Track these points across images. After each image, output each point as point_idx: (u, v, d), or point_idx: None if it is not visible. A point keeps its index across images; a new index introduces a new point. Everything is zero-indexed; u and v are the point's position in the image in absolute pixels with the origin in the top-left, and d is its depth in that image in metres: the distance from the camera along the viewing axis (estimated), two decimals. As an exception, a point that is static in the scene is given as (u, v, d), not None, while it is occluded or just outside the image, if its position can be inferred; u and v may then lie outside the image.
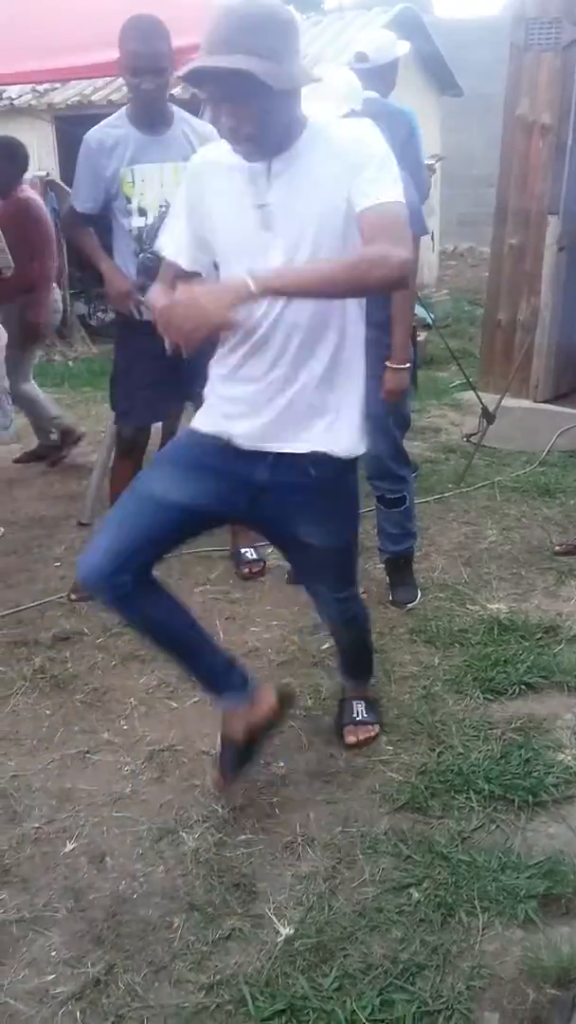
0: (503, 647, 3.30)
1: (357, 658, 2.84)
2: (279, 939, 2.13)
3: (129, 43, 3.23)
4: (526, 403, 5.74)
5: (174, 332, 1.91)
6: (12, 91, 10.05)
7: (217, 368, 2.25)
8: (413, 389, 3.60)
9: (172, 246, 2.30)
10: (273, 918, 2.19)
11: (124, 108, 3.48)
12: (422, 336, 6.98)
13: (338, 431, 2.24)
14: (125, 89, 10.41)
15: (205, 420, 2.28)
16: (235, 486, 2.25)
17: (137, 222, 3.46)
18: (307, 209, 2.06)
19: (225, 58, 1.88)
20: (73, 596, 3.75)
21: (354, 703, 2.85)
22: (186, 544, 2.41)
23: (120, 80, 9.11)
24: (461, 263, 14.55)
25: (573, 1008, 1.92)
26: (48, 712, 3.02)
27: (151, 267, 3.47)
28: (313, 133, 2.08)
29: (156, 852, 2.41)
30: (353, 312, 2.19)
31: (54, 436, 5.57)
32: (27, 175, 8.94)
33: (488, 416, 5.24)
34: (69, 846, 2.43)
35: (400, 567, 3.73)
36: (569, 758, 2.71)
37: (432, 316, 7.80)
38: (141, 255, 3.47)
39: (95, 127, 3.45)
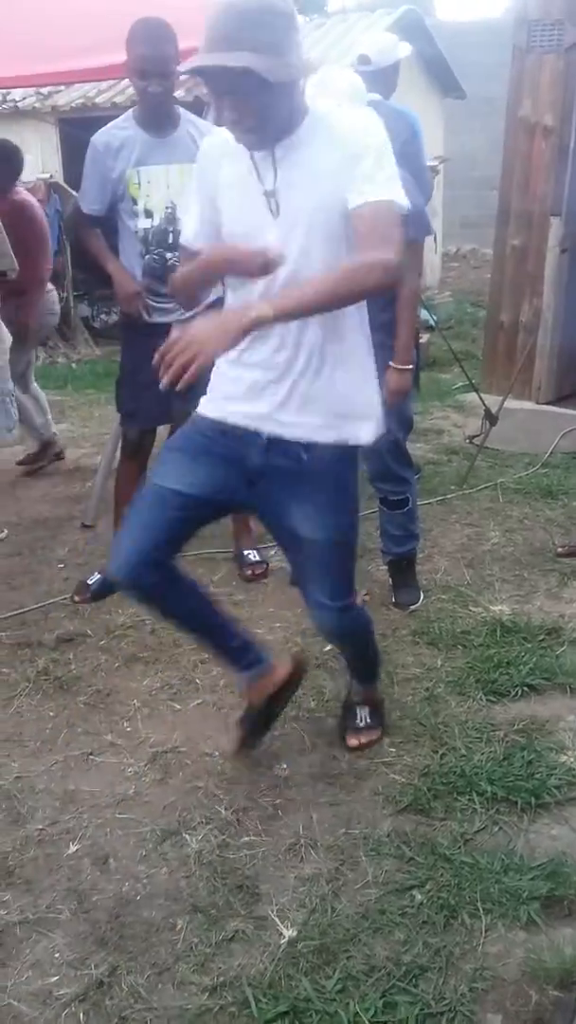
0: (506, 649, 3.30)
1: (362, 663, 2.81)
2: (282, 941, 2.13)
3: (136, 46, 3.24)
4: (529, 405, 5.74)
5: (176, 366, 1.93)
6: (16, 93, 10.07)
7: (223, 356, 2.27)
8: (416, 391, 3.60)
9: (189, 230, 2.34)
10: (276, 920, 2.19)
11: (131, 110, 3.50)
12: (424, 338, 6.98)
13: (333, 420, 2.26)
14: (129, 91, 10.41)
15: (208, 405, 2.34)
16: (233, 471, 2.30)
17: (143, 223, 3.46)
18: (307, 198, 2.09)
19: (226, 55, 1.91)
20: (76, 598, 3.76)
21: (359, 709, 2.83)
22: (195, 537, 2.45)
23: (123, 82, 9.17)
24: (464, 265, 14.55)
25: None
26: (52, 714, 3.02)
27: (157, 268, 3.48)
28: (315, 120, 2.10)
29: (159, 854, 2.41)
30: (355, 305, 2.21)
31: (55, 437, 5.58)
32: (31, 177, 9.05)
33: (491, 418, 5.24)
34: (72, 848, 2.44)
35: (403, 569, 3.73)
36: (572, 760, 2.71)
37: (435, 318, 7.80)
38: (147, 256, 3.48)
39: (102, 129, 3.47)
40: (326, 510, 2.32)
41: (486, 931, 2.14)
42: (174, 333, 2.07)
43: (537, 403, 5.76)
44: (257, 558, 3.99)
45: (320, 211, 2.08)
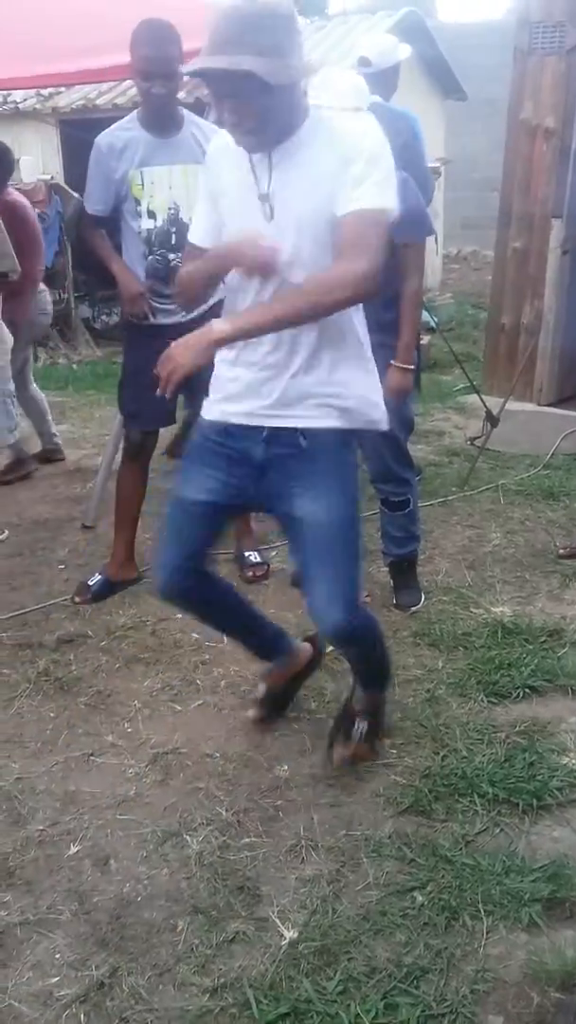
0: (507, 650, 3.29)
1: (367, 666, 2.70)
2: (283, 942, 2.13)
3: (141, 48, 3.25)
4: (530, 406, 5.74)
5: (162, 380, 2.13)
6: (17, 95, 10.08)
7: (220, 353, 2.30)
8: (417, 392, 3.60)
9: (197, 229, 2.36)
10: (277, 921, 2.19)
11: (135, 111, 3.51)
12: (425, 339, 6.98)
13: (330, 410, 2.28)
14: (130, 93, 10.42)
15: (210, 408, 2.39)
16: (242, 470, 2.35)
17: (146, 224, 3.47)
18: (300, 203, 2.11)
19: (227, 58, 1.94)
20: (77, 599, 3.76)
21: (358, 720, 2.71)
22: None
23: (124, 84, 9.19)
24: (465, 267, 14.55)
25: (577, 1012, 1.92)
26: (52, 715, 3.02)
27: (160, 269, 3.48)
28: (315, 123, 2.12)
29: (160, 855, 2.41)
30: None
31: (57, 439, 5.58)
32: (31, 178, 9.07)
33: (492, 419, 5.24)
34: (73, 849, 2.44)
35: (404, 570, 3.73)
36: (573, 761, 2.71)
37: (436, 320, 7.79)
38: (150, 257, 3.49)
39: (106, 130, 3.48)
40: (327, 492, 2.31)
41: (487, 933, 2.14)
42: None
43: (538, 405, 5.76)
44: (258, 559, 4.00)
45: (312, 216, 2.10)
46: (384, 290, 2.23)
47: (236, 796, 2.62)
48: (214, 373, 2.35)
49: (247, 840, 2.45)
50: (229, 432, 2.35)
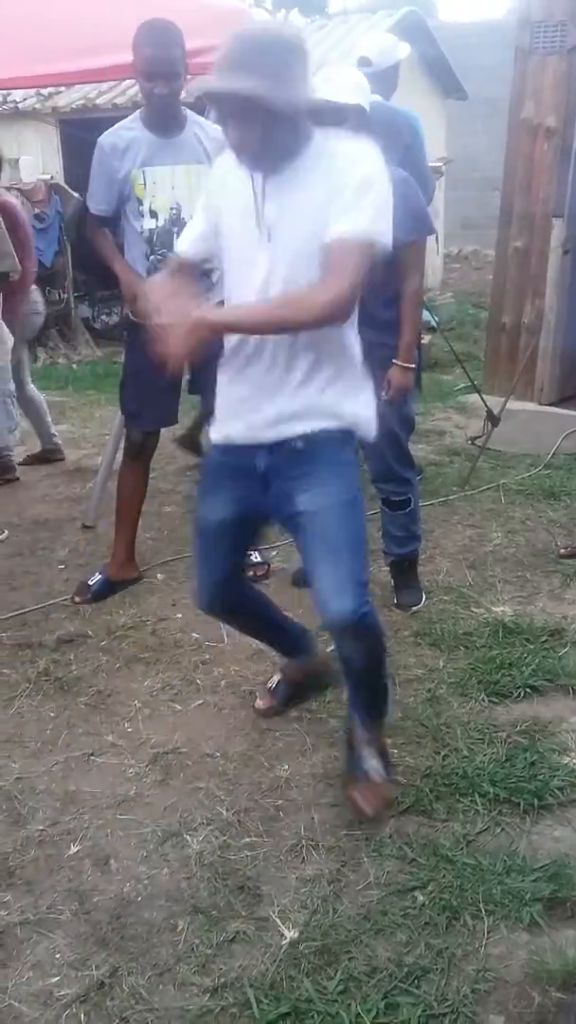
0: (508, 650, 3.29)
1: (368, 688, 2.56)
2: (283, 942, 2.13)
3: (143, 48, 3.25)
4: (531, 406, 5.73)
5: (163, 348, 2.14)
6: (17, 94, 10.06)
7: (222, 373, 2.37)
8: (417, 392, 3.60)
9: (186, 240, 2.41)
10: (277, 921, 2.19)
11: (138, 111, 3.52)
12: (426, 339, 6.97)
13: (325, 419, 2.31)
14: (129, 92, 10.40)
15: (216, 428, 2.45)
16: (251, 482, 2.38)
17: (148, 224, 3.47)
18: (295, 226, 2.14)
19: (233, 80, 1.99)
20: (77, 599, 3.75)
21: (365, 754, 2.53)
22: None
23: (124, 84, 9.18)
24: (465, 266, 14.55)
25: (579, 1012, 1.92)
26: (52, 714, 3.02)
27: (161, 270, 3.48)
28: (318, 148, 2.15)
29: (160, 855, 2.41)
30: (344, 325, 2.27)
31: (56, 439, 5.58)
32: (31, 178, 9.06)
33: (493, 419, 5.23)
34: (73, 848, 2.43)
35: (405, 570, 3.73)
36: (574, 761, 2.71)
37: (436, 319, 7.79)
38: (152, 257, 3.48)
39: (109, 130, 3.48)
40: (327, 483, 2.32)
41: (488, 932, 2.14)
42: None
43: (539, 404, 5.76)
44: (258, 559, 3.99)
45: (305, 242, 2.13)
46: (384, 290, 2.24)
47: (236, 796, 2.61)
48: (218, 393, 2.41)
49: (247, 840, 2.45)
50: (233, 449, 2.40)
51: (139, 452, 3.78)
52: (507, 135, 5.69)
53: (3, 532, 4.48)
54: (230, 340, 2.30)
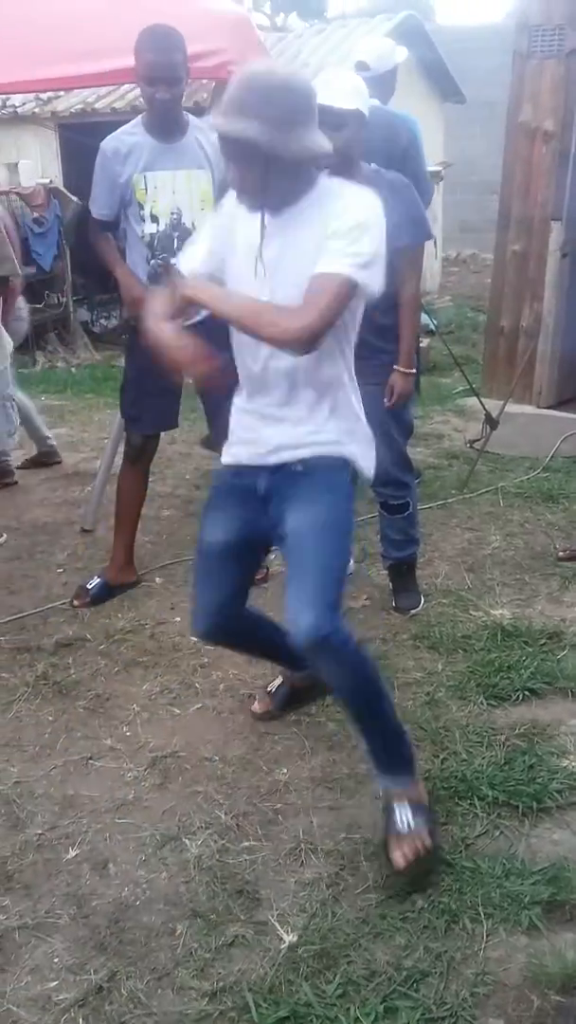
0: (507, 653, 3.29)
1: (379, 734, 2.40)
2: (282, 946, 2.13)
3: (145, 53, 3.25)
4: (529, 409, 5.73)
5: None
6: (16, 99, 10.07)
7: (236, 401, 2.44)
8: (416, 395, 3.60)
9: (188, 267, 2.38)
10: (276, 925, 2.18)
11: (140, 116, 3.52)
12: (425, 342, 6.98)
13: (325, 447, 2.34)
14: (128, 97, 10.40)
15: (226, 451, 2.49)
16: (253, 505, 2.41)
17: (149, 228, 3.48)
18: (289, 268, 2.17)
19: (233, 123, 2.03)
20: (76, 602, 3.75)
21: (396, 808, 2.34)
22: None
23: (123, 88, 9.19)
24: (464, 269, 14.56)
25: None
26: (51, 718, 3.02)
27: (161, 274, 3.49)
28: (321, 194, 2.18)
29: (159, 859, 2.40)
30: (343, 364, 2.32)
31: (51, 442, 5.57)
32: (30, 182, 9.07)
33: (491, 422, 5.23)
34: (72, 852, 2.43)
35: (403, 573, 3.73)
36: (573, 764, 2.71)
37: (435, 322, 7.80)
38: (152, 261, 3.49)
39: (111, 135, 3.49)
40: (314, 502, 2.31)
41: (487, 936, 2.13)
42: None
43: (538, 407, 5.76)
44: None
45: (300, 280, 2.14)
46: (383, 296, 2.25)
47: (235, 800, 2.61)
48: (231, 419, 2.46)
49: (246, 844, 2.45)
50: (238, 472, 2.44)
51: (139, 456, 3.79)
52: (505, 139, 5.70)
53: (2, 536, 4.47)
54: (242, 370, 2.35)
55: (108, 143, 3.47)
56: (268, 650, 2.82)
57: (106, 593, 3.79)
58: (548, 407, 5.78)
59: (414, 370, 3.38)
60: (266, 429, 2.35)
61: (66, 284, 9.50)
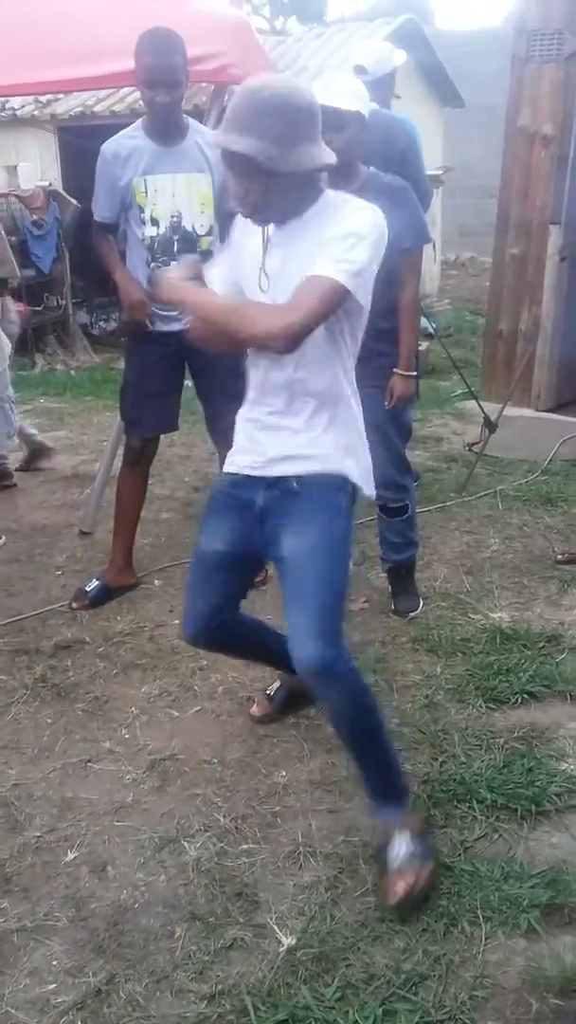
0: (505, 656, 3.29)
1: (375, 763, 2.38)
2: (281, 949, 2.12)
3: (145, 56, 3.26)
4: (528, 412, 5.74)
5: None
6: (15, 101, 10.08)
7: (240, 411, 2.44)
8: (415, 398, 3.60)
9: (217, 282, 2.38)
10: (275, 928, 2.18)
11: (140, 119, 3.53)
12: (424, 346, 6.99)
13: (323, 463, 2.33)
14: (128, 100, 10.40)
15: (228, 460, 2.48)
16: (249, 517, 2.39)
17: (149, 231, 3.49)
18: (289, 282, 2.15)
19: (232, 137, 2.03)
20: (74, 605, 3.75)
21: (396, 840, 2.31)
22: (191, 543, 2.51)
23: (123, 91, 9.20)
24: (462, 273, 14.57)
25: (576, 1019, 1.92)
26: (49, 721, 3.01)
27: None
28: (324, 207, 2.18)
29: (157, 861, 2.40)
30: (344, 380, 2.31)
31: (36, 437, 5.55)
32: (30, 185, 9.08)
33: (490, 425, 5.24)
34: (70, 855, 2.43)
35: (402, 576, 3.73)
36: (572, 767, 2.71)
37: (434, 326, 7.81)
38: (152, 265, 3.49)
39: (112, 138, 3.50)
40: (312, 526, 2.29)
41: (486, 939, 2.13)
42: None
43: (536, 410, 5.76)
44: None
45: None
46: (382, 299, 2.26)
47: (234, 802, 2.61)
48: (236, 429, 2.45)
49: (245, 846, 2.44)
50: (238, 483, 2.43)
51: (138, 458, 3.79)
52: (504, 143, 5.71)
53: (1, 538, 4.47)
54: (250, 379, 2.35)
55: (108, 146, 3.47)
56: (263, 655, 2.81)
57: (105, 595, 3.79)
58: (547, 410, 5.79)
59: (414, 373, 3.38)
60: (265, 438, 2.35)
61: (65, 287, 9.49)
